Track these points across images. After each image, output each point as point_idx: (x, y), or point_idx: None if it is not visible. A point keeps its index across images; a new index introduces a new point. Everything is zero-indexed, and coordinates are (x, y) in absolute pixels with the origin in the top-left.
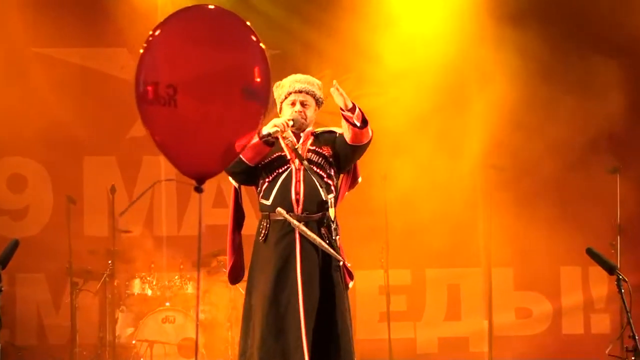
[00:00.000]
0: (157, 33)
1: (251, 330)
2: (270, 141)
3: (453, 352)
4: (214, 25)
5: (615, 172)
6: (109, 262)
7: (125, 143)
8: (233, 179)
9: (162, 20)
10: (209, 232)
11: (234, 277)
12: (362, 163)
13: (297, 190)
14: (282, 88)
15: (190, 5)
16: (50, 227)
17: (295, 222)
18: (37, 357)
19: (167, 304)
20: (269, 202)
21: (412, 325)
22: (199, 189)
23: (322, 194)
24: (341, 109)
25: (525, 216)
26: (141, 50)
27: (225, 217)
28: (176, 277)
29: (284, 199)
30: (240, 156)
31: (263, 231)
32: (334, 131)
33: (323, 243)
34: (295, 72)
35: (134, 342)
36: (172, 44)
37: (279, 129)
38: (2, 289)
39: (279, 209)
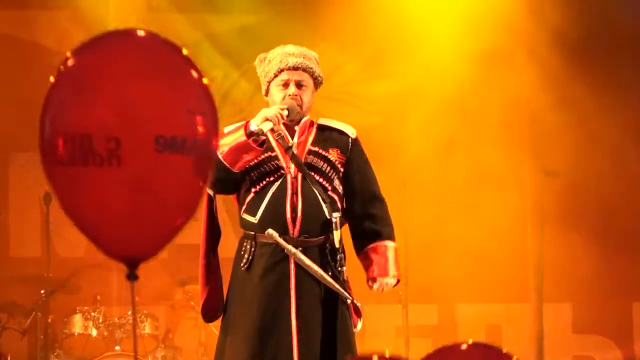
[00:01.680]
0: (76, 62)
1: None
2: (261, 140)
3: None
4: (148, 57)
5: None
6: (42, 292)
7: None
8: (213, 186)
9: (78, 46)
10: (174, 254)
11: (209, 312)
12: (378, 169)
13: (294, 206)
14: (269, 63)
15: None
16: None
17: (290, 247)
18: None
19: (117, 347)
20: (255, 220)
21: None
22: (132, 276)
23: (326, 211)
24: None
25: (586, 239)
26: (52, 79)
27: (196, 234)
28: (129, 312)
29: (275, 217)
30: (221, 159)
31: (246, 256)
32: (345, 132)
33: (326, 276)
34: (282, 45)
35: None
36: (104, 78)
37: (272, 123)
38: None
39: (269, 230)
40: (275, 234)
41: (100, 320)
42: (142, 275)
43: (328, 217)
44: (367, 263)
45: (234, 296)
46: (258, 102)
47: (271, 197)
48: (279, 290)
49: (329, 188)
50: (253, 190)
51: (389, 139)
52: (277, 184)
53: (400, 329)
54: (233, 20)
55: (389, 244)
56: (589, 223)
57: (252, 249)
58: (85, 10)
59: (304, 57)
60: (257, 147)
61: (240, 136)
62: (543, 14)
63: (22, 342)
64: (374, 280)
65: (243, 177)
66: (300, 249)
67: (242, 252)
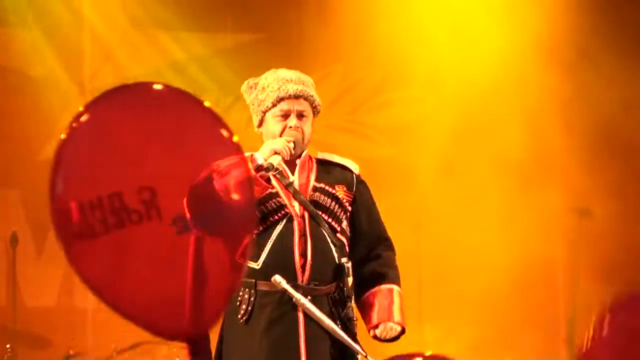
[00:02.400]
0: (91, 117)
1: None
2: (266, 176)
3: None
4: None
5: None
6: (7, 346)
7: (34, 169)
8: (198, 227)
9: (92, 101)
10: None
11: None
12: (389, 206)
13: (302, 250)
14: (264, 91)
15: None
16: None
17: (300, 297)
18: None
19: None
20: (256, 265)
21: None
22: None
23: (336, 256)
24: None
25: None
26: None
27: None
28: None
29: (282, 262)
30: None
31: (244, 306)
32: (348, 168)
33: (337, 329)
34: (286, 67)
35: None
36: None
37: (280, 157)
38: None
39: (276, 277)
40: (284, 282)
41: None
42: (121, 327)
43: (338, 263)
44: (367, 309)
45: (231, 352)
46: (252, 132)
47: (276, 239)
48: (287, 345)
49: (338, 229)
50: (254, 232)
51: (400, 172)
52: (281, 224)
53: None
54: (224, 40)
55: (395, 287)
56: (624, 274)
57: (252, 299)
58: (56, 28)
59: (303, 84)
60: (265, 183)
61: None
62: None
63: None
64: (376, 327)
65: None
66: (309, 297)
67: (239, 302)
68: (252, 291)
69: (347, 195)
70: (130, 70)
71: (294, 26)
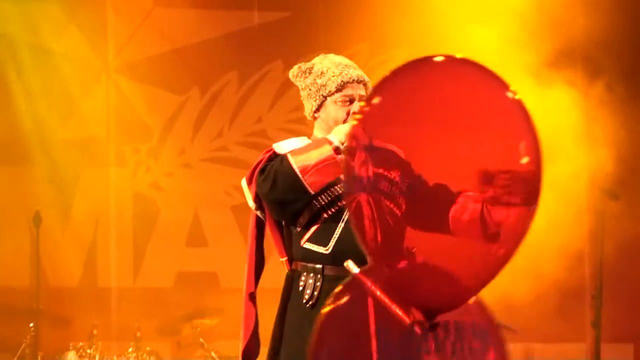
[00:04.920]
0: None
1: None
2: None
3: None
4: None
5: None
6: (31, 325)
7: (58, 147)
8: (278, 210)
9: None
10: (179, 284)
11: (253, 354)
12: None
13: (373, 235)
14: (323, 76)
15: None
16: None
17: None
18: None
19: None
20: (325, 250)
21: None
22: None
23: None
24: None
25: None
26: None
27: (205, 260)
28: (130, 349)
29: (352, 247)
30: (301, 178)
31: (308, 291)
32: (396, 153)
33: (400, 312)
34: (312, 45)
35: None
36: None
37: None
38: None
39: (349, 262)
40: (356, 267)
41: (97, 357)
42: (144, 306)
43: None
44: None
45: (295, 336)
46: (279, 109)
47: (346, 224)
48: (357, 331)
49: (398, 214)
50: (324, 215)
51: None
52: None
53: None
54: (251, 19)
55: None
56: None
57: (317, 284)
58: (81, 5)
59: (359, 69)
60: (338, 166)
61: (327, 153)
62: None
63: None
64: None
65: (310, 202)
66: (379, 283)
67: (302, 287)
68: (319, 276)
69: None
70: (154, 48)
71: (319, 5)
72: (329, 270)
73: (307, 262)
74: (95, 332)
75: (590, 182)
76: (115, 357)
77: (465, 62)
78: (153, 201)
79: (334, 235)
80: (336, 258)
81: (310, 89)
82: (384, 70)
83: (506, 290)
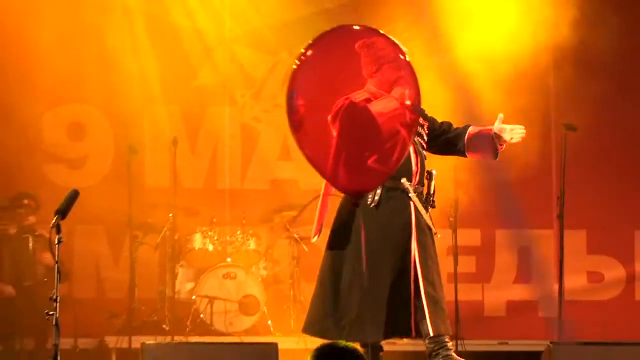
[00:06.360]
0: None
1: (346, 294)
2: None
3: (521, 316)
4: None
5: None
6: (170, 215)
7: (190, 92)
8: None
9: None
10: (274, 187)
11: (319, 231)
12: None
13: (416, 162)
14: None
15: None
16: (110, 177)
17: (413, 194)
18: (95, 310)
19: (229, 260)
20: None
21: (481, 288)
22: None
23: (425, 166)
24: (501, 142)
25: (601, 178)
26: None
27: (291, 171)
28: (238, 232)
29: (405, 169)
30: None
31: (371, 196)
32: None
33: (425, 214)
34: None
35: (194, 297)
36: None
37: None
38: (62, 240)
39: (404, 180)
40: (407, 183)
41: (216, 238)
42: (249, 203)
43: (429, 171)
44: (478, 141)
45: (364, 225)
46: None
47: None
48: (404, 224)
49: (425, 148)
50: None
51: None
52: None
53: (450, 248)
54: (330, 1)
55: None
56: (612, 165)
57: (378, 191)
58: None
59: None
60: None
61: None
62: None
63: (154, 255)
64: (496, 135)
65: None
66: (416, 194)
67: (368, 194)
68: (381, 186)
69: (424, 123)
70: (259, 21)
71: None
72: (388, 183)
73: None
74: (214, 220)
75: None
76: (228, 237)
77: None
78: (255, 129)
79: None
80: (397, 176)
81: None
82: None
83: None
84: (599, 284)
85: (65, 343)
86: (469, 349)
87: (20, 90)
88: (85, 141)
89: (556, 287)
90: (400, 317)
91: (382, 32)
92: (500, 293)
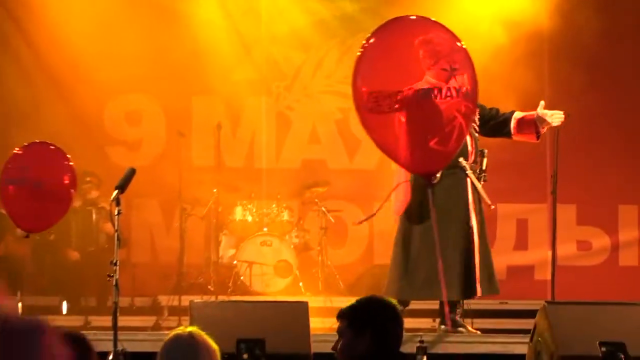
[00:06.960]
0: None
1: (415, 259)
2: None
3: (520, 279)
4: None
5: None
6: (214, 190)
7: (231, 85)
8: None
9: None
10: (304, 166)
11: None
12: None
13: (472, 143)
14: None
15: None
16: (162, 158)
17: (470, 171)
18: (149, 273)
19: (265, 229)
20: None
21: None
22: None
23: (478, 146)
24: (543, 125)
25: (590, 156)
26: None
27: (319, 152)
28: (273, 205)
29: (462, 150)
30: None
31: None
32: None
33: (481, 190)
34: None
35: (235, 262)
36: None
37: None
38: (121, 211)
39: (462, 159)
40: (464, 162)
41: (254, 210)
42: (282, 180)
43: (481, 150)
44: (523, 124)
45: (428, 198)
46: None
47: None
48: (463, 199)
49: (478, 131)
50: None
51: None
52: None
53: None
54: None
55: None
56: (599, 147)
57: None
58: None
59: None
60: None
61: None
62: None
63: (200, 225)
64: (539, 119)
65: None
66: (472, 171)
67: None
68: None
69: (478, 113)
70: (296, 20)
71: None
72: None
73: None
74: (252, 195)
75: None
76: (264, 210)
77: (431, 21)
78: (287, 116)
79: None
80: (457, 156)
81: None
82: None
83: None
84: (587, 251)
85: (123, 301)
86: (473, 307)
87: (86, 83)
88: (141, 126)
89: (549, 253)
90: (464, 279)
91: (434, 19)
92: (501, 258)
